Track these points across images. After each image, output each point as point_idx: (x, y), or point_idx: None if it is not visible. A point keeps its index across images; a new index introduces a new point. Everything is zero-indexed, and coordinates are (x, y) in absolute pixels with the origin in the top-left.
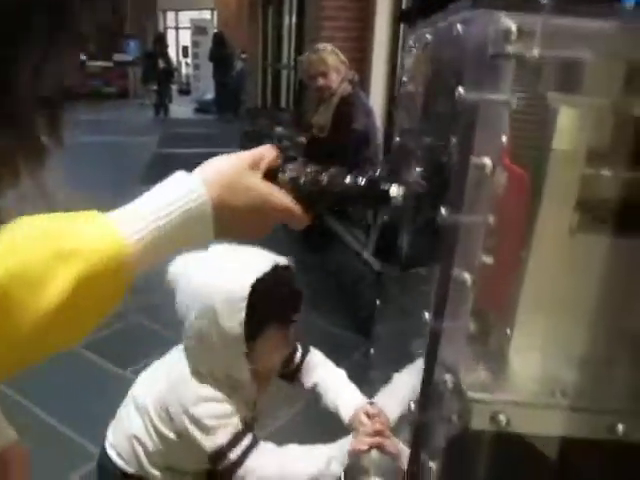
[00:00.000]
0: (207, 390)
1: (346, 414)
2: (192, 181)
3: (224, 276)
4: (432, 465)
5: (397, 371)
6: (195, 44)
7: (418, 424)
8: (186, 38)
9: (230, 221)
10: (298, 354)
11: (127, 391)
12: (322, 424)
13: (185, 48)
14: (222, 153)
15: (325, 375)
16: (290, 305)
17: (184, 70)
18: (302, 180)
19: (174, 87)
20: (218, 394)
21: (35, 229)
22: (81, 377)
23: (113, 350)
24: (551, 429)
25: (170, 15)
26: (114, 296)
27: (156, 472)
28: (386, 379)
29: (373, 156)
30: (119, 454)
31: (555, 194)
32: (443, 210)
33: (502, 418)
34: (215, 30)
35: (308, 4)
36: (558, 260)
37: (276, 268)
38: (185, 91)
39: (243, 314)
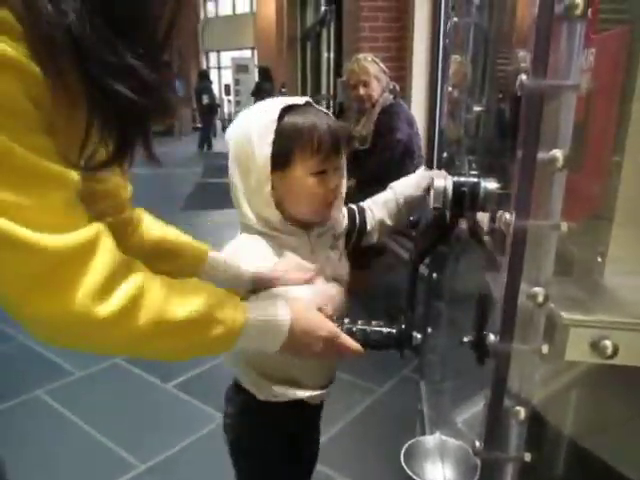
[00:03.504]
0: (254, 240)
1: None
2: (284, 312)
3: (261, 105)
4: (520, 409)
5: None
6: (237, 82)
7: (499, 354)
8: (228, 77)
9: (298, 341)
10: (356, 220)
11: (168, 404)
12: (381, 427)
13: (227, 86)
14: None
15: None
16: (324, 143)
17: (226, 108)
18: (354, 329)
19: (218, 123)
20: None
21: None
22: (126, 390)
23: (158, 364)
24: None
25: (212, 56)
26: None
27: None
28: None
29: (416, 169)
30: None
31: None
32: (508, 215)
33: (607, 345)
34: (257, 65)
35: (345, 30)
36: None
37: (311, 104)
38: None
39: (272, 136)
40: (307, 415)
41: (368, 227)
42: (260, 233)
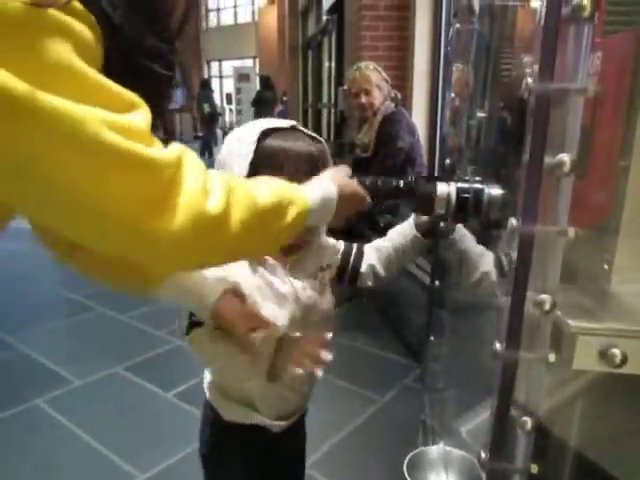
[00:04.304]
0: None
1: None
2: (330, 185)
3: (245, 126)
4: (526, 419)
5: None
6: (238, 91)
7: (506, 363)
8: (229, 86)
9: (342, 208)
10: (350, 258)
11: (169, 413)
12: (383, 438)
13: (229, 95)
14: None
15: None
16: (291, 169)
17: (227, 117)
18: (367, 182)
19: (219, 132)
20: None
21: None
22: (125, 399)
23: (157, 373)
24: None
25: (214, 65)
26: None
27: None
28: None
29: (419, 174)
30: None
31: None
32: (514, 221)
33: (616, 353)
34: (258, 74)
35: (346, 39)
36: None
37: (295, 128)
38: None
39: (251, 156)
40: (274, 440)
41: (362, 269)
42: None
